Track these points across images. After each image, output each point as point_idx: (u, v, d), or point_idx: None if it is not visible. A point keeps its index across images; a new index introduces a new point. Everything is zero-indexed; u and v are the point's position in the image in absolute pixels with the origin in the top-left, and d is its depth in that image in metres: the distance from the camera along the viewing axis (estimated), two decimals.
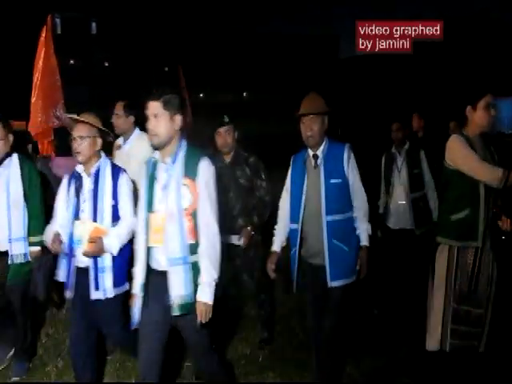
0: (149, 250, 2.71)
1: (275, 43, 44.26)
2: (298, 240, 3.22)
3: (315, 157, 3.23)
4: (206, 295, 2.60)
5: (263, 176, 3.90)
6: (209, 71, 38.21)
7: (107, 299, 3.00)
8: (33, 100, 5.05)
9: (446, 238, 3.13)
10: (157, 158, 2.76)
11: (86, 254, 2.97)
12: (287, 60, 42.75)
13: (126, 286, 3.06)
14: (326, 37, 47.02)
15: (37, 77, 5.06)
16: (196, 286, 2.62)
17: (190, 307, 2.61)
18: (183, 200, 2.64)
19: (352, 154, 3.20)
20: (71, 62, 31.74)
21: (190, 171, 2.67)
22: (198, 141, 3.79)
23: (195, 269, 2.63)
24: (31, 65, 5.09)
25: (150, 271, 2.71)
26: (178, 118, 2.71)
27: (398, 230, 4.74)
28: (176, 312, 2.61)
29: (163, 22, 38.24)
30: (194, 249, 2.64)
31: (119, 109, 4.06)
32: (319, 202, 3.15)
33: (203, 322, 2.59)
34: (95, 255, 2.99)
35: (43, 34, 5.08)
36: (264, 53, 43.02)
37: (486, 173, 2.96)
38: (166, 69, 33.93)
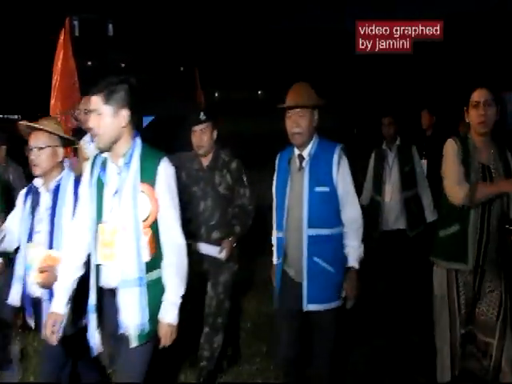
0: (97, 267, 2.30)
1: (289, 39, 44.12)
2: (282, 251, 2.76)
3: (300, 157, 2.74)
4: (170, 316, 2.27)
5: (246, 183, 3.41)
6: (223, 70, 38.31)
7: (63, 338, 2.41)
8: (52, 101, 5.14)
9: (435, 258, 2.79)
10: (106, 157, 2.34)
11: (37, 284, 2.59)
12: (301, 56, 42.57)
13: (83, 323, 2.57)
14: (340, 32, 46.67)
15: (56, 78, 5.15)
16: (152, 310, 2.26)
17: (149, 335, 2.26)
18: (141, 210, 2.24)
19: (344, 157, 2.70)
20: (88, 63, 32.10)
21: (148, 175, 2.26)
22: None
23: (152, 290, 2.26)
24: (50, 67, 5.18)
25: (99, 291, 2.32)
26: (125, 113, 2.27)
27: (390, 231, 4.50)
28: (135, 343, 2.23)
29: (178, 23, 38.46)
30: (151, 266, 2.26)
31: (86, 103, 3.62)
32: (301, 212, 2.66)
33: (167, 345, 2.30)
34: (47, 287, 2.53)
35: (62, 37, 5.18)
36: (278, 50, 42.94)
37: (451, 191, 2.63)
38: (182, 69, 34.09)
